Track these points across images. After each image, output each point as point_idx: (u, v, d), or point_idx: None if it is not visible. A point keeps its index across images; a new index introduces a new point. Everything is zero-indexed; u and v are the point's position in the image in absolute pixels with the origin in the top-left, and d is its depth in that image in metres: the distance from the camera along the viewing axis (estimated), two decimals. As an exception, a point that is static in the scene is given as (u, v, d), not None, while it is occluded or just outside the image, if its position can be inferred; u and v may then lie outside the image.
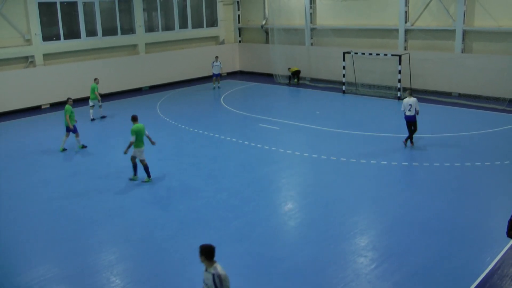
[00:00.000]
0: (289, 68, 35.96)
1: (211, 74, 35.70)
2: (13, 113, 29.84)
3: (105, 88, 33.86)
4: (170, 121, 26.72)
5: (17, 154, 22.15)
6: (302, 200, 16.22)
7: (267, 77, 38.60)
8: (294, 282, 11.32)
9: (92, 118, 27.56)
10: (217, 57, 35.54)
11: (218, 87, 35.53)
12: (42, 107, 31.39)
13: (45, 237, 14.31)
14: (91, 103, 27.60)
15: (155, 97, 33.11)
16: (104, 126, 26.67)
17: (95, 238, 14.04)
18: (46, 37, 31.72)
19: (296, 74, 35.88)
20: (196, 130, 24.51)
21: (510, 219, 9.75)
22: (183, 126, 25.47)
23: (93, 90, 27.17)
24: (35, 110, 30.75)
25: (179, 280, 11.66)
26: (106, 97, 33.44)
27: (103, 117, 28.10)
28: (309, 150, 20.51)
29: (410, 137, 20.26)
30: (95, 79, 27.70)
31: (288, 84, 35.46)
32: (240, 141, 22.29)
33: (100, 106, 27.88)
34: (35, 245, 13.82)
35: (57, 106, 31.02)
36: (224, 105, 30.09)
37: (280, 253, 12.61)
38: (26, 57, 31.16)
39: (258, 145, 21.50)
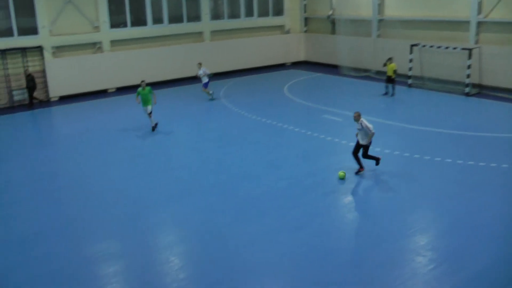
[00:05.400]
0: (385, 64, 29.44)
1: (272, 64, 34.70)
2: (81, 96, 30.83)
3: (170, 74, 34.52)
4: (233, 108, 26.93)
5: (83, 135, 22.87)
6: (362, 194, 16.04)
7: (332, 68, 38.24)
8: (349, 276, 11.25)
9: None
10: (200, 64, 29.53)
11: (212, 99, 29.59)
12: (108, 90, 32.31)
13: (108, 215, 14.88)
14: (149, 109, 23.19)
15: (219, 84, 33.38)
16: (168, 112, 27.11)
17: (156, 218, 14.43)
18: (113, 25, 32.64)
19: (391, 81, 29.20)
20: (258, 118, 24.61)
21: None
22: (245, 114, 25.63)
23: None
24: (101, 93, 31.69)
25: (234, 266, 11.77)
26: (171, 83, 34.04)
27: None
28: (371, 143, 20.19)
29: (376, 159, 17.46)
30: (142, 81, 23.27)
31: (385, 94, 29.48)
32: (303, 131, 22.23)
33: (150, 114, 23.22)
34: (100, 222, 14.42)
35: (122, 90, 31.80)
36: (288, 94, 30.05)
37: (337, 245, 12.56)
38: (94, 43, 32.09)
39: (321, 136, 21.38)
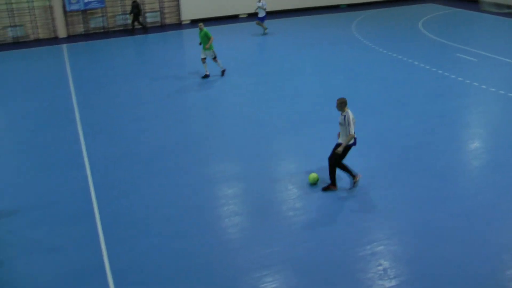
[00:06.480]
0: None
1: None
2: (212, 20, 31.45)
3: (300, 2, 34.07)
4: (364, 41, 26.31)
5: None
6: (490, 141, 15.29)
7: (472, 4, 35.85)
8: (459, 226, 10.72)
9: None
10: None
11: (264, 34, 28.64)
12: (240, 16, 32.66)
13: (231, 138, 15.56)
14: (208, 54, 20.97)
15: (352, 16, 32.63)
16: (299, 41, 27.07)
17: (278, 145, 14.87)
18: None
19: None
20: (389, 53, 23.91)
21: None
22: (376, 48, 24.98)
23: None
24: (232, 18, 32.12)
25: (351, 204, 11.82)
26: (299, 11, 33.69)
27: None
28: (506, 88, 18.99)
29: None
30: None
31: None
32: (434, 69, 21.34)
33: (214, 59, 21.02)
34: (223, 144, 15.18)
35: (253, 16, 31.82)
36: (422, 29, 28.76)
37: (456, 192, 12.18)
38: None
39: (452, 76, 20.43)
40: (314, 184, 12.43)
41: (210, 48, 20.53)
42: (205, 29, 20.54)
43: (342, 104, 11.72)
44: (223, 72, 21.26)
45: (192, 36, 29.25)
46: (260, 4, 27.85)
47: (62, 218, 11.51)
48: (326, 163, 12.22)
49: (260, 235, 10.62)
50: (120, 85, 20.76)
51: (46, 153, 14.95)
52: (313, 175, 12.45)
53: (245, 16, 32.74)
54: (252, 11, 31.48)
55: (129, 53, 26.87)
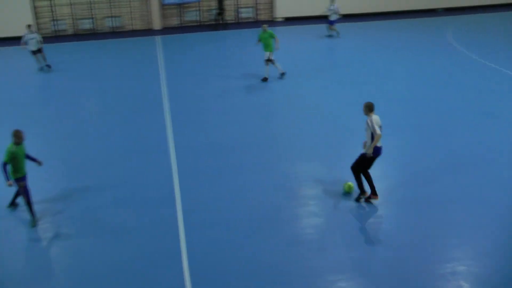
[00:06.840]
0: None
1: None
2: (306, 19, 31.39)
3: (396, 5, 33.38)
4: (459, 47, 25.38)
5: (295, 58, 23.24)
6: None
7: None
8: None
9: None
10: None
11: (330, 35, 28.44)
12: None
13: (313, 137, 15.46)
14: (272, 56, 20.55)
15: (448, 20, 31.65)
16: (385, 43, 26.54)
17: (360, 151, 14.42)
18: None
19: None
20: (483, 61, 22.88)
21: None
22: (471, 55, 24.01)
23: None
24: (324, 18, 31.81)
25: (433, 216, 11.48)
26: (397, 15, 33.02)
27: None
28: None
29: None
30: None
31: None
32: (532, 81, 20.27)
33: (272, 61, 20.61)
34: (303, 142, 15.09)
35: (348, 18, 31.34)
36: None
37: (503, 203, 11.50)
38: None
39: (552, 89, 19.32)
40: (348, 192, 12.17)
41: (270, 50, 20.20)
42: (270, 30, 20.40)
43: (366, 108, 11.29)
44: (265, 79, 20.66)
45: (283, 34, 29.26)
46: (332, 7, 27.51)
47: (143, 201, 11.98)
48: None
49: (338, 239, 10.47)
50: (208, 77, 21.23)
51: (134, 137, 15.67)
52: (348, 184, 12.17)
53: (338, 17, 32.38)
54: (345, 12, 31.14)
55: (220, 47, 27.25)
